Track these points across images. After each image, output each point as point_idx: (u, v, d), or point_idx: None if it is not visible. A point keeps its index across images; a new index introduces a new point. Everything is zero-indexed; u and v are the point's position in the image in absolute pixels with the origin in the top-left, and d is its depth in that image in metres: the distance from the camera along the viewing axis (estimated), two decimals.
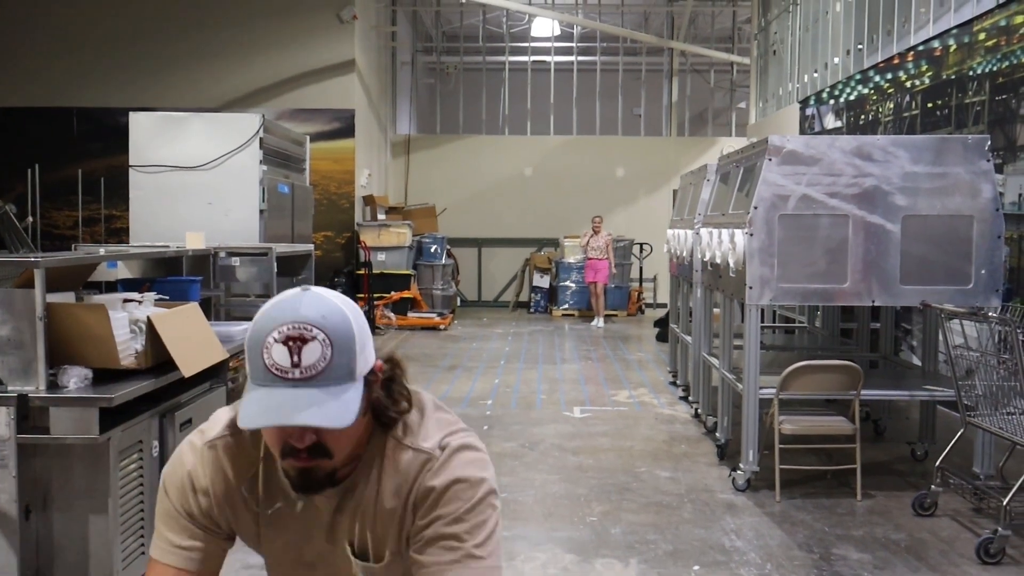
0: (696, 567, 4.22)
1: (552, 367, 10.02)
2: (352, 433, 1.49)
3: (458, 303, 16.52)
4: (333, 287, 9.03)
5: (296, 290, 1.50)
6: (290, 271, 5.93)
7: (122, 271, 5.12)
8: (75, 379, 3.46)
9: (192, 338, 4.06)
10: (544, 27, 18.85)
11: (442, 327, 13.63)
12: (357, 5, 14.26)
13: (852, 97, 10.37)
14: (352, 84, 14.50)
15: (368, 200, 14.98)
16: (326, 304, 1.46)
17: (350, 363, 1.44)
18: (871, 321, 7.20)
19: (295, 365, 1.40)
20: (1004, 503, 4.23)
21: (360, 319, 1.50)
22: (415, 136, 17.97)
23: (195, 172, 6.62)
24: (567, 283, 16.06)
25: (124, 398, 3.44)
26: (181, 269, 5.31)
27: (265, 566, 1.79)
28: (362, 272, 13.77)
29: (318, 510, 1.63)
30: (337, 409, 1.41)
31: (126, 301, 3.94)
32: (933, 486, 4.91)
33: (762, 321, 6.80)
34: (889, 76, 9.28)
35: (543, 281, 16.64)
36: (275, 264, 5.33)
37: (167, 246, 5.28)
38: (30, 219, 11.72)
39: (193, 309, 4.26)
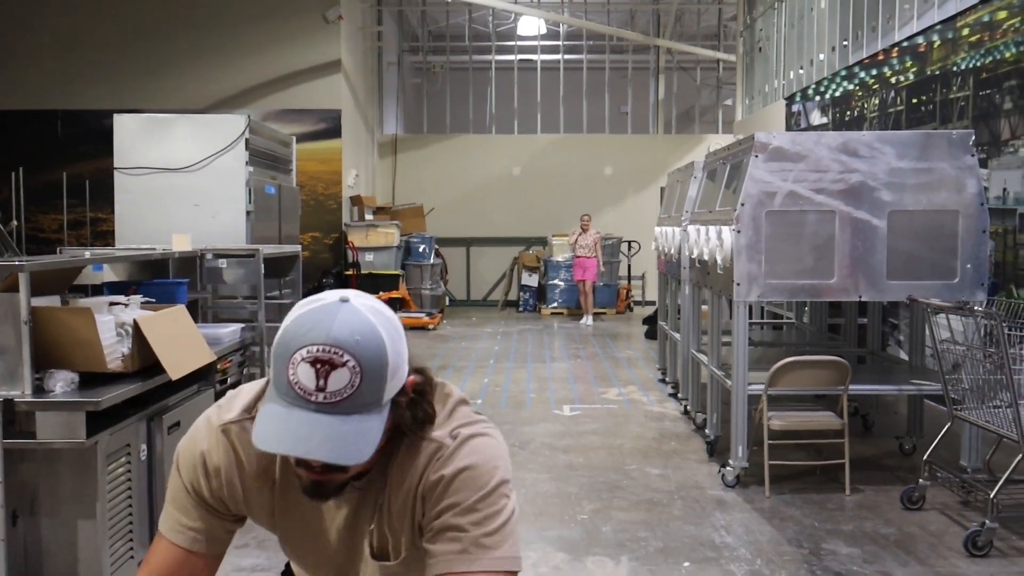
0: (687, 563, 4.23)
1: (541, 366, 10.02)
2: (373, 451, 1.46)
3: (447, 303, 16.51)
4: (321, 288, 9.01)
5: (335, 300, 1.40)
6: (278, 272, 5.92)
7: (108, 274, 5.10)
8: (61, 383, 3.44)
9: (179, 341, 4.04)
10: (530, 26, 18.84)
11: (431, 327, 13.62)
12: (343, 5, 14.23)
13: (838, 93, 10.41)
14: (338, 84, 14.46)
15: (355, 200, 14.95)
16: (362, 324, 1.37)
17: (378, 391, 1.37)
18: (858, 316, 7.23)
19: (320, 389, 1.33)
20: (991, 496, 4.26)
21: (397, 339, 1.42)
22: (402, 136, 17.95)
23: (181, 174, 6.59)
24: (556, 282, 16.06)
25: (111, 402, 3.42)
26: (168, 271, 5.29)
27: (279, 541, 1.75)
28: (350, 273, 13.75)
29: (335, 506, 1.60)
30: (355, 444, 1.35)
31: (112, 304, 3.92)
32: (921, 480, 4.94)
33: (750, 317, 6.82)
34: (874, 72, 9.32)
35: (532, 280, 16.64)
36: (262, 266, 5.31)
37: (153, 248, 5.26)
38: (15, 223, 11.65)
39: (180, 311, 4.25)
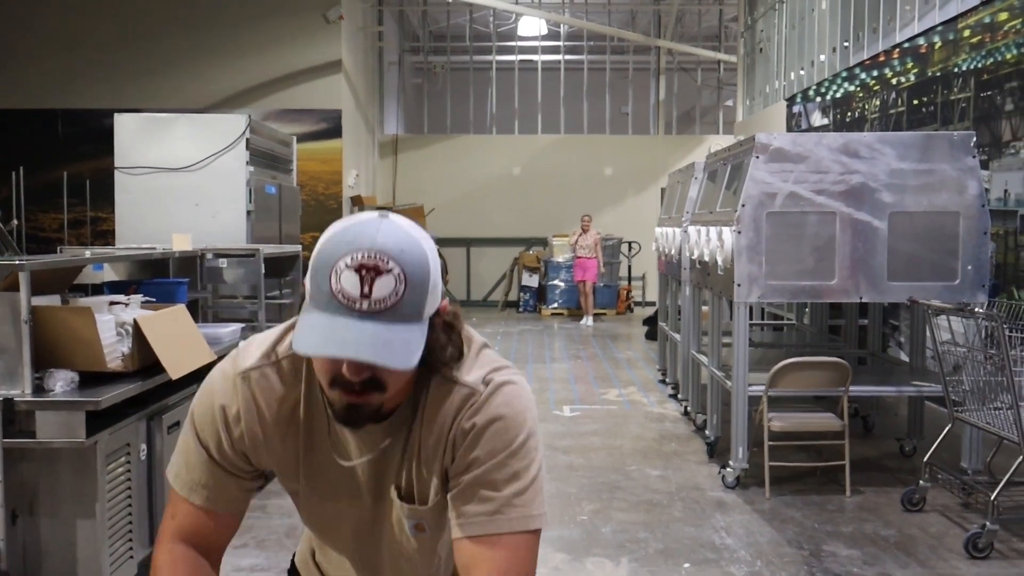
0: (687, 565, 4.22)
1: (542, 366, 10.01)
2: (409, 372, 1.41)
3: None
4: None
5: (374, 215, 1.39)
6: (278, 272, 5.91)
7: (108, 273, 5.10)
8: (61, 382, 3.44)
9: (179, 340, 4.04)
10: (531, 26, 18.84)
11: None
12: (343, 5, 14.22)
13: (838, 94, 10.41)
14: (339, 84, 14.45)
15: (356, 200, 14.95)
16: (405, 237, 1.36)
17: (420, 303, 1.35)
18: (859, 318, 7.23)
19: (364, 296, 1.30)
20: (992, 498, 4.25)
21: (436, 257, 1.40)
22: (403, 136, 17.95)
23: (181, 174, 6.58)
24: (556, 282, 16.06)
25: (111, 401, 3.42)
26: (168, 271, 5.28)
27: (297, 508, 1.70)
28: None
29: (361, 448, 1.55)
30: (402, 349, 1.32)
31: (112, 303, 3.92)
32: (921, 481, 4.93)
33: (750, 318, 6.82)
34: (875, 73, 9.31)
35: (532, 280, 16.64)
36: (263, 265, 5.31)
37: (154, 248, 5.26)
38: (15, 222, 11.64)
39: (180, 311, 4.24)
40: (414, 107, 19.28)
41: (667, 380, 8.63)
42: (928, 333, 5.90)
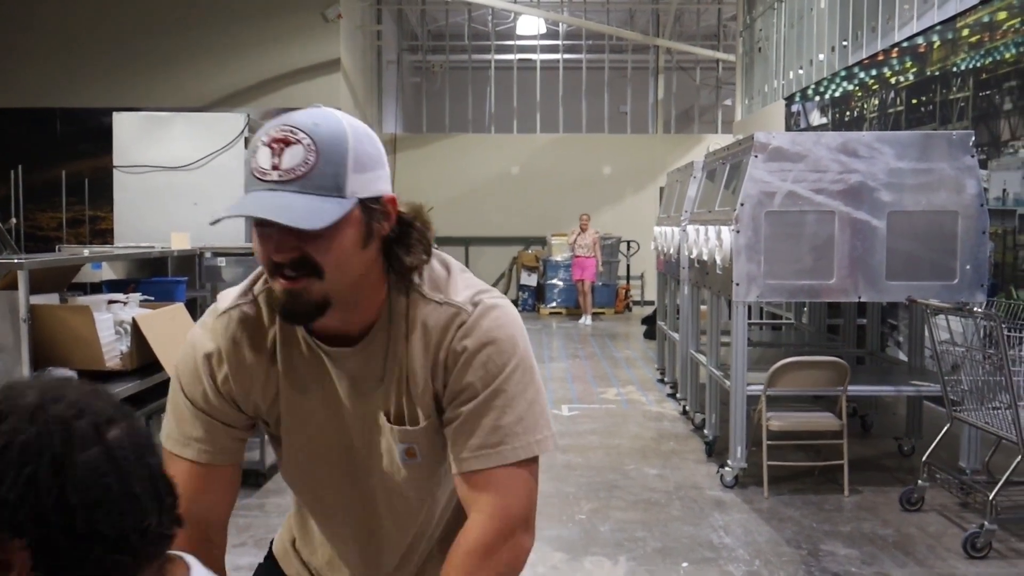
0: (685, 564, 4.23)
1: (540, 365, 9.94)
2: (344, 252, 1.37)
3: None
4: None
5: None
6: None
7: (107, 272, 5.09)
8: None
9: (178, 339, 4.04)
10: (530, 25, 18.84)
11: None
12: (342, 4, 14.21)
13: (837, 94, 10.41)
14: (337, 83, 14.45)
15: None
16: (325, 114, 1.36)
17: (337, 175, 1.33)
18: (857, 317, 7.23)
19: (275, 167, 1.31)
20: (990, 497, 4.25)
21: (366, 141, 1.39)
22: (401, 135, 17.94)
23: (180, 172, 6.57)
24: (555, 281, 16.06)
25: None
26: (166, 270, 5.28)
27: (279, 459, 1.66)
28: None
29: (343, 377, 1.52)
30: (307, 210, 1.29)
31: (111, 302, 3.92)
32: (920, 481, 4.94)
33: (749, 318, 6.82)
34: (874, 72, 9.32)
35: (531, 279, 16.64)
36: None
37: (152, 247, 5.25)
38: (13, 220, 11.63)
39: (179, 310, 4.24)
40: (412, 106, 19.28)
41: (666, 379, 8.64)
42: (927, 332, 5.90)
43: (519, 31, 18.73)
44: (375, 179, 1.40)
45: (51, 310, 3.55)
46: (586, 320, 14.53)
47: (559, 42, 18.53)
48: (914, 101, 8.32)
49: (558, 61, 18.41)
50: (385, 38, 17.59)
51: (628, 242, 16.81)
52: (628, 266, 17.10)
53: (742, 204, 5.21)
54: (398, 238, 1.46)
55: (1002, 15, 6.80)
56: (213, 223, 1.42)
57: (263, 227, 1.36)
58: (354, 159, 1.36)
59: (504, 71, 18.27)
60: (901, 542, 4.49)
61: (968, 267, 5.20)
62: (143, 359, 3.79)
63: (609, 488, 5.41)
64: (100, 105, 13.61)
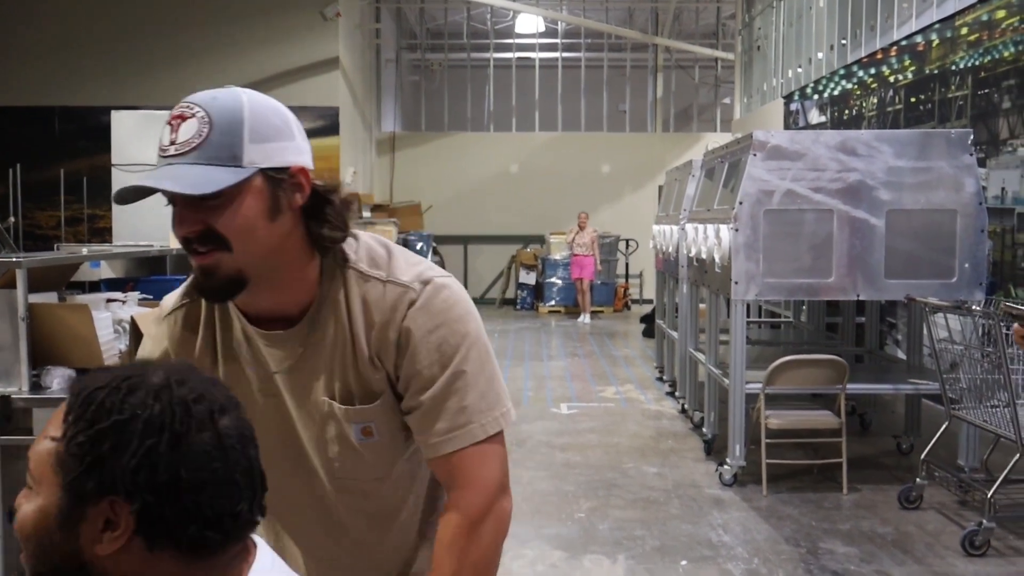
0: (684, 562, 4.23)
1: (539, 364, 10.02)
2: (248, 222, 1.36)
3: None
4: None
5: None
6: None
7: (105, 271, 5.08)
8: (58, 380, 3.43)
9: None
10: (528, 23, 18.83)
11: None
12: (340, 3, 14.20)
13: (836, 92, 10.42)
14: (336, 82, 14.44)
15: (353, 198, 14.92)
16: (227, 91, 1.38)
17: (232, 145, 1.33)
18: (856, 315, 7.23)
19: (172, 143, 1.34)
20: (988, 495, 4.26)
21: (271, 113, 1.39)
22: (400, 134, 17.94)
23: None
24: (553, 280, 16.07)
25: None
26: (165, 268, 5.28)
27: None
28: None
29: (282, 360, 1.50)
30: (198, 178, 1.30)
31: (109, 301, 3.92)
32: (918, 479, 4.94)
33: (748, 316, 6.82)
34: (873, 71, 9.32)
35: (529, 278, 16.65)
36: None
37: (151, 245, 5.25)
38: (12, 219, 11.63)
39: None
40: (411, 104, 19.27)
41: (664, 378, 8.64)
42: (925, 331, 5.90)
43: (518, 29, 18.72)
44: (279, 150, 1.40)
45: (49, 309, 3.55)
46: (585, 318, 14.53)
47: (558, 40, 18.52)
48: (913, 100, 8.32)
49: (557, 60, 18.40)
50: (384, 37, 17.58)
51: (627, 240, 16.82)
52: (627, 265, 17.11)
53: (741, 203, 5.21)
54: (313, 212, 1.45)
55: (1001, 13, 6.80)
56: (117, 200, 1.41)
57: (174, 206, 1.38)
58: (251, 128, 1.36)
59: (503, 70, 18.27)
60: (900, 540, 4.50)
61: (967, 265, 5.21)
62: None
63: (608, 486, 5.42)
64: (99, 103, 13.60)
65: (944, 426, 4.86)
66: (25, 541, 1.05)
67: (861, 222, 5.21)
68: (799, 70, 11.76)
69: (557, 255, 16.05)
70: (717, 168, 6.22)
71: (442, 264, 16.06)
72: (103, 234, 13.19)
